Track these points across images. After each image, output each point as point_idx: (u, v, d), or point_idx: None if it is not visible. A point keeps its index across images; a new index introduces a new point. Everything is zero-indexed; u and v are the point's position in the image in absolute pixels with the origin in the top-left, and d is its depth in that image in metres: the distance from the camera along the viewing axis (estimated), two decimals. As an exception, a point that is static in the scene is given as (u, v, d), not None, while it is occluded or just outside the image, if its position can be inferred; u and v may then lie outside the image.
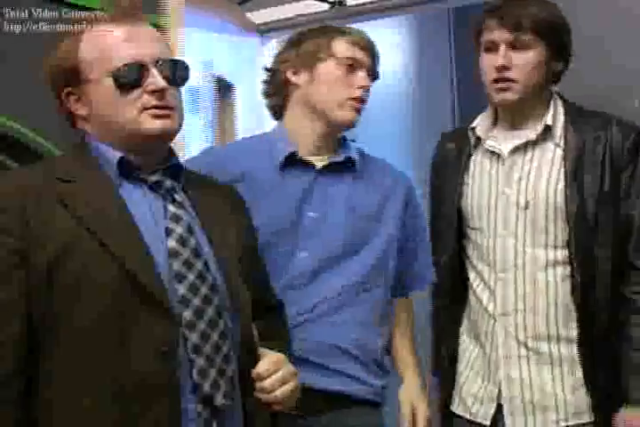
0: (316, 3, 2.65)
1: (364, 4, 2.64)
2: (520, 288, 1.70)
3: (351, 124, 1.77)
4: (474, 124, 1.81)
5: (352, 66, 1.75)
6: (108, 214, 1.23)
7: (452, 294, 1.84)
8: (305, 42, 1.80)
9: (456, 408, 1.81)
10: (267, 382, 1.30)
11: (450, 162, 1.84)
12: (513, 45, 1.68)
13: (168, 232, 1.26)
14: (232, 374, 1.27)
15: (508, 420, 1.70)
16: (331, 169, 1.76)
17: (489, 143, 1.77)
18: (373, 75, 1.80)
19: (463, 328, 1.83)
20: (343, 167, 1.77)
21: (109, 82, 1.25)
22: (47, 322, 1.18)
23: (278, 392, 1.31)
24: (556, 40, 1.70)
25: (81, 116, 1.30)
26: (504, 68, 1.68)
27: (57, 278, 1.17)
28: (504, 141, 1.76)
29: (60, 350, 1.17)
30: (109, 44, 1.27)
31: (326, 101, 1.74)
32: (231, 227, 1.39)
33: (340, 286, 1.71)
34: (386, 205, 1.80)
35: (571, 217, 1.66)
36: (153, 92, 1.26)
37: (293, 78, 1.78)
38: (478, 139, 1.79)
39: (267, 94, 1.85)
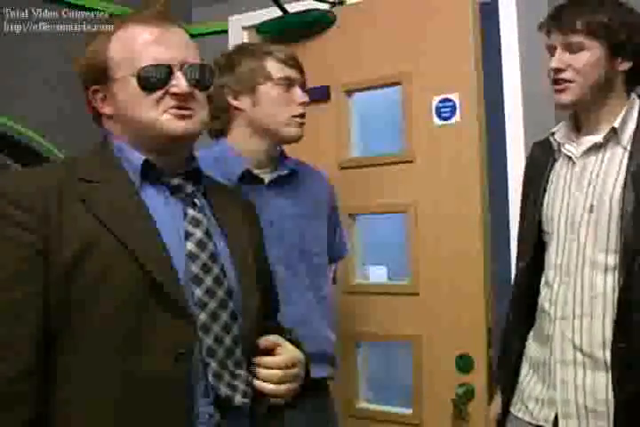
0: (316, 3, 2.65)
1: (362, 3, 2.62)
2: (579, 292, 1.69)
3: (299, 140, 1.93)
4: (554, 130, 1.83)
5: (288, 84, 1.90)
6: (129, 216, 1.23)
7: (527, 298, 1.83)
8: (238, 66, 1.91)
9: (517, 411, 1.80)
10: (282, 373, 1.31)
11: (537, 169, 1.86)
12: (569, 48, 1.71)
13: (187, 235, 1.27)
14: (246, 377, 1.29)
15: (561, 423, 1.69)
16: (276, 181, 1.92)
17: (566, 147, 1.78)
18: (305, 88, 1.95)
19: (531, 334, 1.83)
20: (286, 177, 1.94)
21: (134, 82, 1.26)
22: (64, 321, 1.17)
23: (287, 386, 1.32)
24: (613, 39, 1.68)
25: (106, 115, 1.32)
26: (558, 70, 1.72)
27: (76, 277, 1.17)
28: (579, 145, 1.77)
29: (76, 348, 1.17)
30: (138, 44, 1.28)
31: (274, 122, 1.88)
32: (247, 235, 1.42)
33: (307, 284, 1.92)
34: (319, 207, 2.00)
35: (624, 221, 1.63)
36: (175, 95, 1.27)
37: (235, 103, 1.90)
38: (559, 144, 1.80)
39: (223, 109, 1.94)
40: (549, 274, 1.76)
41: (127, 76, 1.26)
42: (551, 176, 1.81)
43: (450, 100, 2.31)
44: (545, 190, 1.80)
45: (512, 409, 1.81)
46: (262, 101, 1.88)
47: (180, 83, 1.26)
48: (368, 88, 2.53)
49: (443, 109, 2.32)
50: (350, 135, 2.58)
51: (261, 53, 1.91)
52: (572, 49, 1.70)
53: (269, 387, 1.30)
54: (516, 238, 2.01)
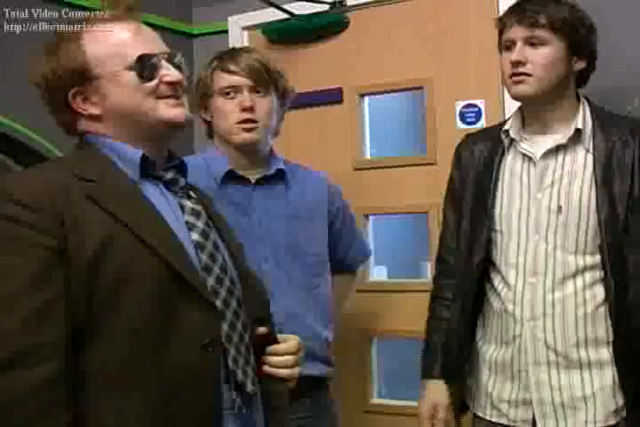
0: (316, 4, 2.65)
1: (364, 3, 2.63)
2: (549, 293, 1.70)
3: (251, 144, 1.92)
4: (507, 127, 1.81)
5: (234, 92, 1.92)
6: (138, 211, 1.24)
7: (472, 298, 1.81)
8: (198, 82, 1.99)
9: (489, 415, 1.79)
10: (293, 358, 1.35)
11: (481, 164, 1.83)
12: (530, 42, 1.71)
13: (190, 226, 1.30)
14: (254, 363, 1.32)
15: (539, 423, 1.70)
16: (264, 181, 1.94)
17: (522, 146, 1.77)
18: (261, 89, 1.93)
19: (480, 333, 1.82)
20: (275, 178, 1.96)
21: (128, 75, 1.28)
22: (90, 321, 1.16)
23: (296, 370, 1.36)
24: (574, 37, 1.71)
25: (91, 115, 1.31)
26: (519, 63, 1.71)
27: (99, 275, 1.16)
28: (536, 144, 1.76)
29: (104, 345, 1.17)
30: (121, 40, 1.29)
31: (223, 131, 1.94)
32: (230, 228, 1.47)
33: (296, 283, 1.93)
34: (314, 208, 2.01)
35: (602, 222, 1.66)
36: (170, 84, 1.30)
37: (203, 115, 2.00)
38: (511, 141, 1.79)
39: (202, 120, 2.02)
40: (510, 274, 1.75)
41: (118, 70, 1.28)
42: (501, 173, 1.78)
43: (475, 106, 2.41)
44: (496, 187, 1.78)
45: (481, 413, 1.80)
46: (213, 113, 1.95)
47: (172, 72, 1.30)
48: (386, 91, 2.60)
49: (467, 115, 2.42)
50: (364, 137, 2.64)
51: (212, 66, 1.96)
52: (533, 43, 1.71)
53: (287, 372, 1.34)
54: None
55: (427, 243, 2.52)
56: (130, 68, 1.27)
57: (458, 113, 2.44)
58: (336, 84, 2.64)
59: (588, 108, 1.76)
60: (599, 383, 1.67)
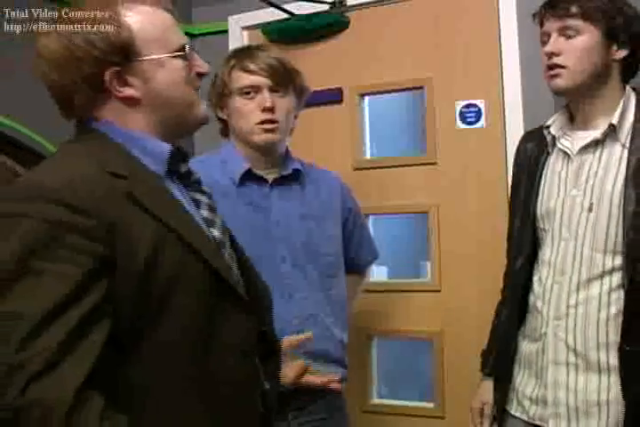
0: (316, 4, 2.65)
1: (364, 3, 2.63)
2: (574, 293, 1.67)
3: (271, 145, 1.91)
4: (549, 123, 1.79)
5: (254, 92, 1.89)
6: (178, 213, 1.17)
7: (519, 299, 1.81)
8: (215, 80, 1.96)
9: (514, 410, 1.79)
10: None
11: (530, 162, 1.82)
12: (564, 33, 1.69)
13: (209, 223, 1.24)
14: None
15: (551, 424, 1.69)
16: (281, 181, 1.93)
17: (562, 142, 1.75)
18: (281, 89, 1.90)
19: (521, 330, 1.82)
20: (291, 178, 1.95)
21: (178, 62, 1.21)
22: (137, 333, 1.09)
23: None
24: (609, 24, 1.67)
25: (129, 97, 1.19)
26: (553, 54, 1.69)
27: (150, 284, 1.09)
28: (575, 140, 1.73)
29: (151, 355, 1.10)
30: (167, 25, 1.22)
31: (242, 131, 1.91)
32: None
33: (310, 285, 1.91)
34: (328, 208, 2.00)
35: (625, 220, 1.61)
36: (201, 75, 1.26)
37: (220, 114, 1.97)
38: (554, 138, 1.77)
39: (217, 118, 2.00)
40: (543, 271, 1.74)
41: (164, 55, 1.20)
42: (545, 171, 1.77)
43: (475, 106, 2.42)
44: (539, 185, 1.77)
45: (508, 408, 1.81)
46: (231, 113, 1.93)
47: (202, 63, 1.26)
48: (386, 91, 2.61)
49: (467, 114, 2.43)
50: (364, 137, 2.65)
51: (229, 65, 1.93)
52: (567, 34, 1.68)
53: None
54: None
55: (427, 243, 2.52)
56: (176, 56, 1.21)
57: (458, 113, 2.45)
58: (336, 84, 2.65)
59: (633, 101, 1.71)
60: (616, 391, 1.63)
